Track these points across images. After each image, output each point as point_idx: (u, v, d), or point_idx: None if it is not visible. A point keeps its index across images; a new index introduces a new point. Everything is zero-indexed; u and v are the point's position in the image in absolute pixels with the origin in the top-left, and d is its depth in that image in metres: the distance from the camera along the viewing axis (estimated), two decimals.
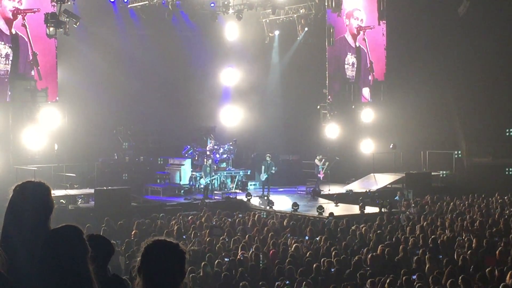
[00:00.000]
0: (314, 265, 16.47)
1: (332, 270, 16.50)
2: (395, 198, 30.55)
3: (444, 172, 35.85)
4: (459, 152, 37.57)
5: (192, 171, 33.77)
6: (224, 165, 34.38)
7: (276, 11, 37.44)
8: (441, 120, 38.73)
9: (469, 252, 17.82)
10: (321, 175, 33.71)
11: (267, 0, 36.02)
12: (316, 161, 34.07)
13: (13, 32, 29.40)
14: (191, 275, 15.36)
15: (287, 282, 15.39)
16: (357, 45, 37.92)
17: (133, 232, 21.13)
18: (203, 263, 16.72)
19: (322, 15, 37.18)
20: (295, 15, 38.28)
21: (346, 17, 37.44)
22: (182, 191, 32.94)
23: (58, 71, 30.88)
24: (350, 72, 37.81)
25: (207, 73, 39.45)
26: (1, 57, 29.02)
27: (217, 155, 33.69)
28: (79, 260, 4.32)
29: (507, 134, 38.09)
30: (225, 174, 34.01)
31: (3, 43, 29.07)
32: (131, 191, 28.91)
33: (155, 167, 35.71)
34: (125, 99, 36.30)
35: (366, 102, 37.85)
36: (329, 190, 33.28)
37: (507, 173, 36.77)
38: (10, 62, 29.30)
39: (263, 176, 32.71)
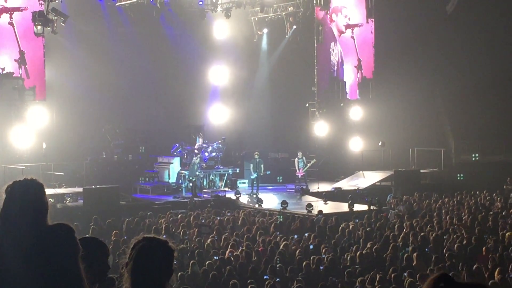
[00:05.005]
0: (304, 263, 16.49)
1: (321, 267, 16.52)
2: (388, 197, 30.36)
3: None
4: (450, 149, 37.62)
5: (180, 170, 33.68)
6: (212, 163, 34.33)
7: (265, 9, 37.43)
8: (430, 117, 38.79)
9: (458, 249, 17.87)
10: (299, 173, 33.67)
11: None
12: (296, 159, 34.00)
13: None
14: (179, 274, 15.35)
15: (277, 279, 15.41)
16: (345, 43, 37.92)
17: (114, 232, 20.97)
18: (191, 262, 16.71)
19: (311, 13, 37.22)
20: (283, 13, 38.31)
21: (335, 14, 37.42)
22: (170, 190, 32.88)
23: (46, 70, 30.75)
24: (335, 60, 37.73)
25: (196, 71, 39.40)
26: None
27: (206, 153, 33.62)
28: (69, 259, 4.28)
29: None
30: (214, 172, 33.98)
31: None
32: (120, 189, 28.83)
33: (144, 166, 35.62)
34: (113, 98, 36.20)
35: (355, 100, 37.83)
36: (318, 188, 33.30)
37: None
38: None
39: (253, 175, 32.74)
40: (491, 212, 24.04)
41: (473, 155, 37.02)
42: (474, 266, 15.43)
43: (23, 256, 4.31)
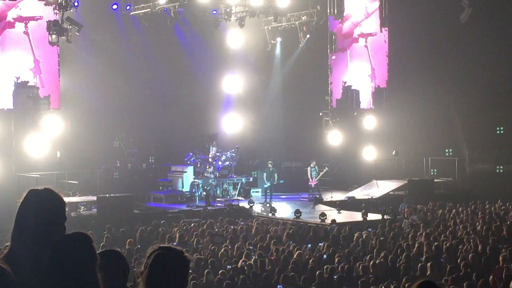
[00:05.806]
0: (317, 272, 16.45)
1: (335, 277, 16.47)
2: (401, 206, 30.21)
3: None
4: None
5: (194, 178, 33.69)
6: (226, 172, 34.33)
7: (278, 18, 37.44)
8: (444, 126, 38.69)
9: (472, 259, 17.78)
10: (312, 183, 33.66)
11: (269, 7, 36.02)
12: (308, 168, 34.00)
13: None
14: (192, 282, 15.34)
15: None
16: (359, 52, 37.93)
17: (128, 240, 21.01)
18: (206, 271, 16.70)
19: (324, 22, 37.23)
20: (297, 22, 38.31)
21: (349, 23, 37.45)
22: (183, 199, 32.88)
23: (60, 79, 30.92)
24: (351, 77, 37.78)
25: (209, 80, 39.40)
26: None
27: (220, 162, 33.64)
28: (86, 268, 4.26)
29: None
30: (227, 181, 33.98)
31: None
32: (134, 198, 28.87)
33: (158, 174, 35.67)
34: (127, 106, 36.26)
35: (369, 109, 37.80)
36: (331, 197, 33.24)
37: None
38: None
39: (266, 184, 32.75)
40: (508, 222, 23.94)
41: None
42: (490, 277, 15.33)
43: (39, 265, 4.31)
